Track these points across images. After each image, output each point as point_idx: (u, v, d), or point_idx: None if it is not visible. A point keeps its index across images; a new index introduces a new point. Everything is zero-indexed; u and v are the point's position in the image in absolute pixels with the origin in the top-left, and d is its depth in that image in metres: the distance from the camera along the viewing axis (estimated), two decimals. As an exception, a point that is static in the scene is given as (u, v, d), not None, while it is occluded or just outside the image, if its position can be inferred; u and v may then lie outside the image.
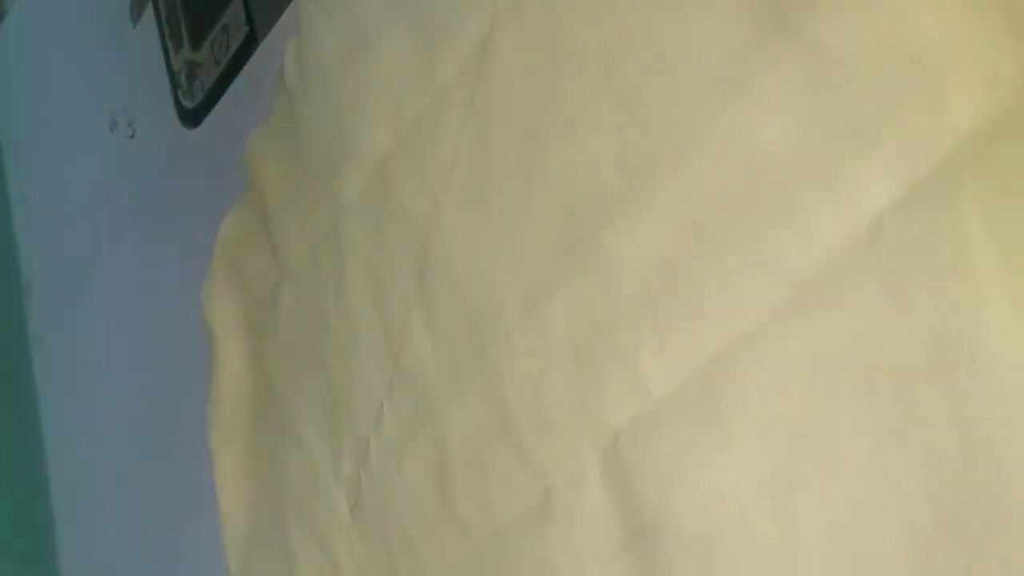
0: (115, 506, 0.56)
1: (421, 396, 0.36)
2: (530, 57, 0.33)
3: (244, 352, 0.45)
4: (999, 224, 0.24)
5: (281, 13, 0.49)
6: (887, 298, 0.25)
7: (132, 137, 0.58)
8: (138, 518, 0.54)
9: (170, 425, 0.52)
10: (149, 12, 0.57)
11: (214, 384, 0.46)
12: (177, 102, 0.55)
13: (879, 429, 0.25)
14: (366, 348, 0.38)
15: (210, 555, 0.47)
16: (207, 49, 0.53)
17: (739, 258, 0.28)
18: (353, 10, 0.40)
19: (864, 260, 0.26)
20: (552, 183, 0.32)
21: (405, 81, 0.38)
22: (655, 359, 0.29)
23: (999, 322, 0.24)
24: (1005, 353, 0.24)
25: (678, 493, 0.29)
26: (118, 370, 0.57)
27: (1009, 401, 0.24)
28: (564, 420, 0.32)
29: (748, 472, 0.27)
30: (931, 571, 0.25)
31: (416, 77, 0.37)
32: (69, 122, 0.61)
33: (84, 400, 0.58)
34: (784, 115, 0.27)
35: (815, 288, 0.27)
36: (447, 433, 0.35)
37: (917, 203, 0.25)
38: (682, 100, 0.29)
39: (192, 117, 0.55)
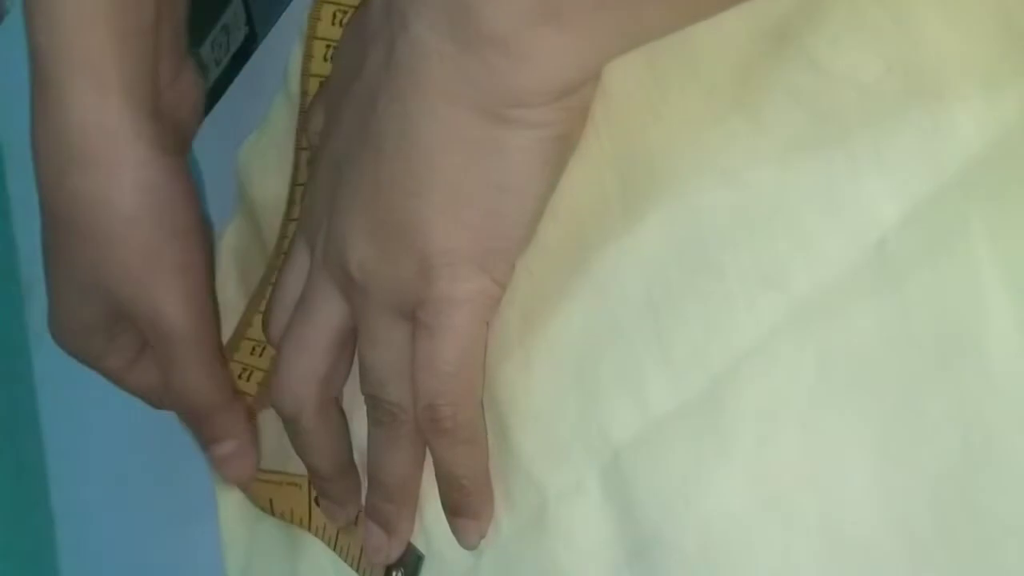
0: (115, 506, 0.56)
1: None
2: None
3: None
4: (1004, 240, 0.24)
5: (281, 13, 0.49)
6: (890, 315, 0.25)
7: (132, 137, 0.57)
8: (138, 518, 0.54)
9: (170, 425, 0.52)
10: (149, 11, 0.56)
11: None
12: (177, 102, 0.55)
13: (881, 446, 0.25)
14: None
15: (210, 556, 0.47)
16: (207, 49, 0.53)
17: (740, 275, 0.28)
18: None
19: (868, 277, 0.26)
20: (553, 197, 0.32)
21: None
22: (657, 376, 0.29)
23: (1002, 334, 0.24)
24: (1009, 364, 0.24)
25: (679, 510, 0.29)
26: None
27: (1013, 413, 0.24)
28: (564, 434, 0.32)
29: (750, 489, 0.27)
30: None
31: None
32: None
33: (84, 400, 0.58)
34: (787, 132, 0.27)
35: (817, 305, 0.27)
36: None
37: (922, 221, 0.25)
38: (682, 115, 0.29)
39: (192, 117, 0.55)
